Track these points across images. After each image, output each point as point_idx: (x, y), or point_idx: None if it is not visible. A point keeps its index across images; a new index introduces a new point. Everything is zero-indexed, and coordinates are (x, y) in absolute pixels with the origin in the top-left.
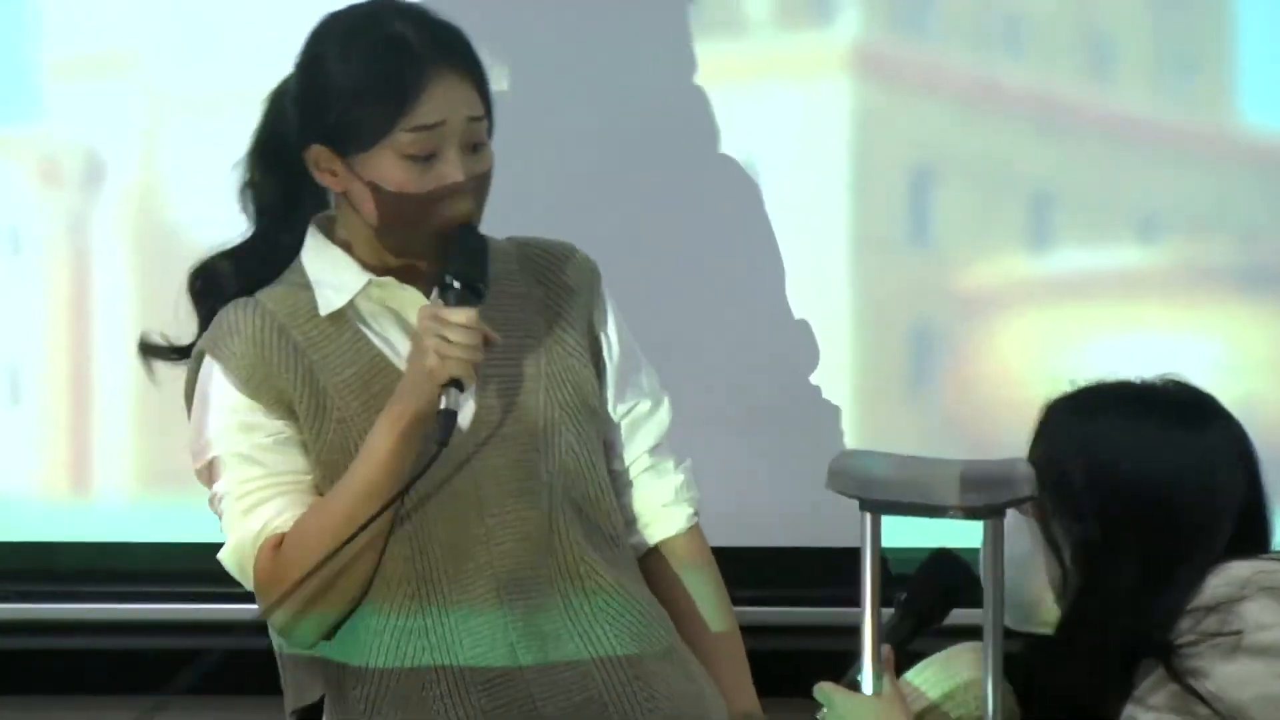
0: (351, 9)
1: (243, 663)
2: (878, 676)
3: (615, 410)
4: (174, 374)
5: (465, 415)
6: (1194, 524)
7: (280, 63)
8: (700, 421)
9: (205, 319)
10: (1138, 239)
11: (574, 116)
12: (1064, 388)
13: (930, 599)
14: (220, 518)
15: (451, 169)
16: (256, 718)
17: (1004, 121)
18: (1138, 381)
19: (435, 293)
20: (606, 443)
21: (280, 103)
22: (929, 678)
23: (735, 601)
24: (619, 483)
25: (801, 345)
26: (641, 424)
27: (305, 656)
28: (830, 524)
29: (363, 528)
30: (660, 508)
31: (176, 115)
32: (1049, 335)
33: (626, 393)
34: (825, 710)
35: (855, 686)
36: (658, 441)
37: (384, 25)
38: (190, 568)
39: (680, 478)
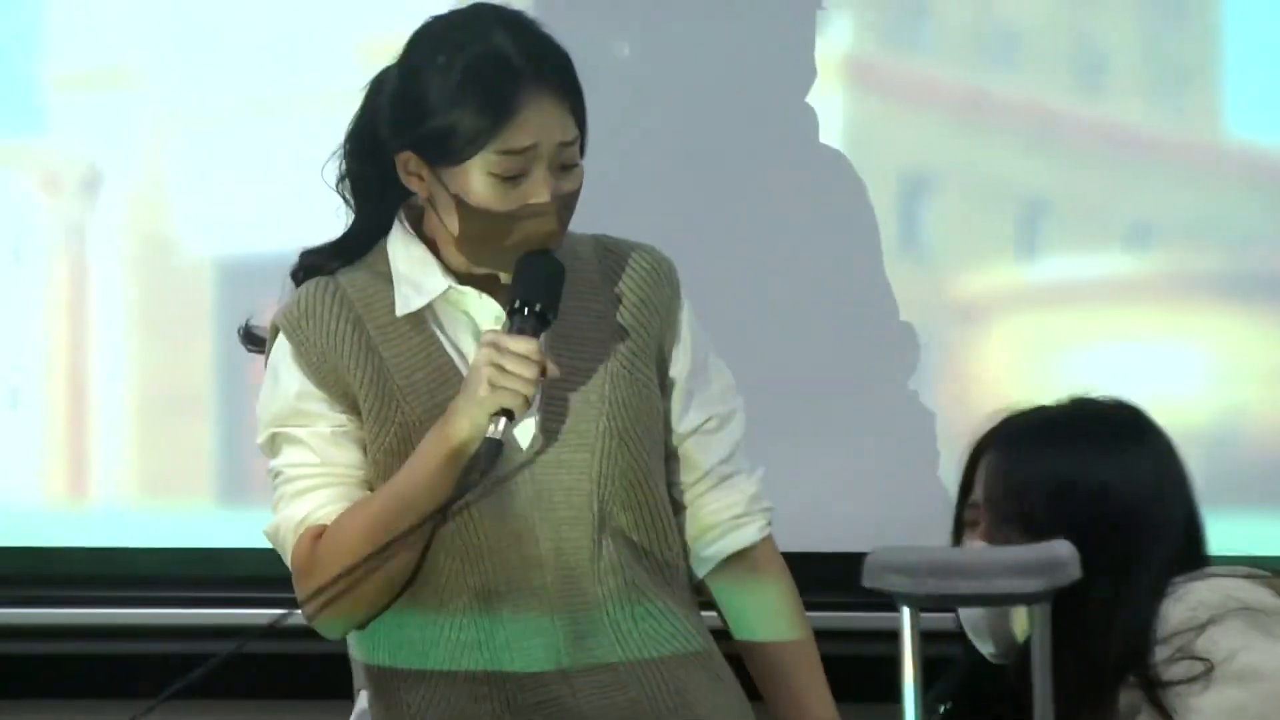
0: (455, 15)
1: (245, 666)
2: None
3: (684, 426)
4: (164, 384)
5: (526, 436)
6: (1149, 541)
7: (277, 73)
8: None
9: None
10: (1128, 248)
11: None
12: (1002, 414)
13: (968, 703)
14: (274, 491)
15: (537, 189)
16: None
17: (996, 132)
18: (1081, 400)
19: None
20: (679, 458)
21: (377, 94)
22: None
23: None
24: (689, 496)
25: (801, 350)
26: (711, 438)
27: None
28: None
29: (385, 547)
30: (731, 520)
31: (175, 127)
32: (1040, 342)
33: (696, 408)
34: None
35: None
36: (729, 454)
37: (485, 38)
38: (187, 573)
39: (752, 489)
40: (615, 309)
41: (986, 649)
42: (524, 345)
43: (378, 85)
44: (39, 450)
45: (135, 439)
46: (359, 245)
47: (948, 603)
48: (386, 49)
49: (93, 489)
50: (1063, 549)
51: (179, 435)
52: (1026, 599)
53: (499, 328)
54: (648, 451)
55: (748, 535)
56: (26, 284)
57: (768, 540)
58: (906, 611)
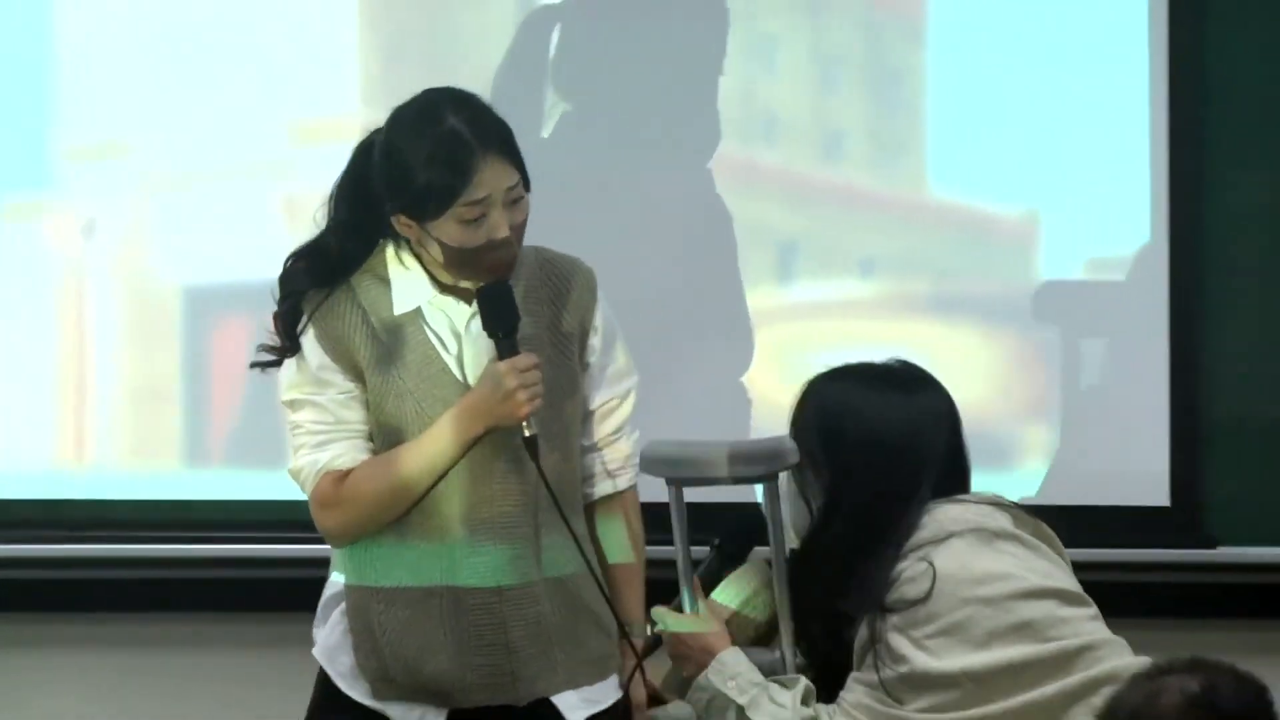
0: (416, 102)
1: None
2: (694, 600)
3: (593, 400)
4: (143, 378)
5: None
6: (904, 470)
7: (228, 146)
8: None
9: (284, 303)
10: (858, 277)
11: None
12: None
13: (736, 543)
14: (293, 439)
15: (498, 227)
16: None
17: (761, 191)
18: (871, 361)
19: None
20: (582, 420)
21: (364, 157)
22: (728, 593)
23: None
24: (584, 448)
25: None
26: (610, 414)
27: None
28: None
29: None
30: (608, 472)
31: (151, 189)
32: (794, 348)
33: (603, 388)
34: (660, 625)
35: (680, 608)
36: (619, 426)
37: (442, 121)
38: (160, 518)
39: (628, 450)
40: (552, 313)
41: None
42: (526, 361)
43: (363, 151)
44: (51, 425)
45: (121, 418)
46: (342, 267)
47: (697, 483)
48: (313, 127)
49: (89, 454)
50: (784, 442)
51: (154, 415)
52: (756, 479)
53: (466, 325)
54: (570, 417)
55: (613, 486)
56: (40, 305)
57: (632, 490)
58: (671, 489)
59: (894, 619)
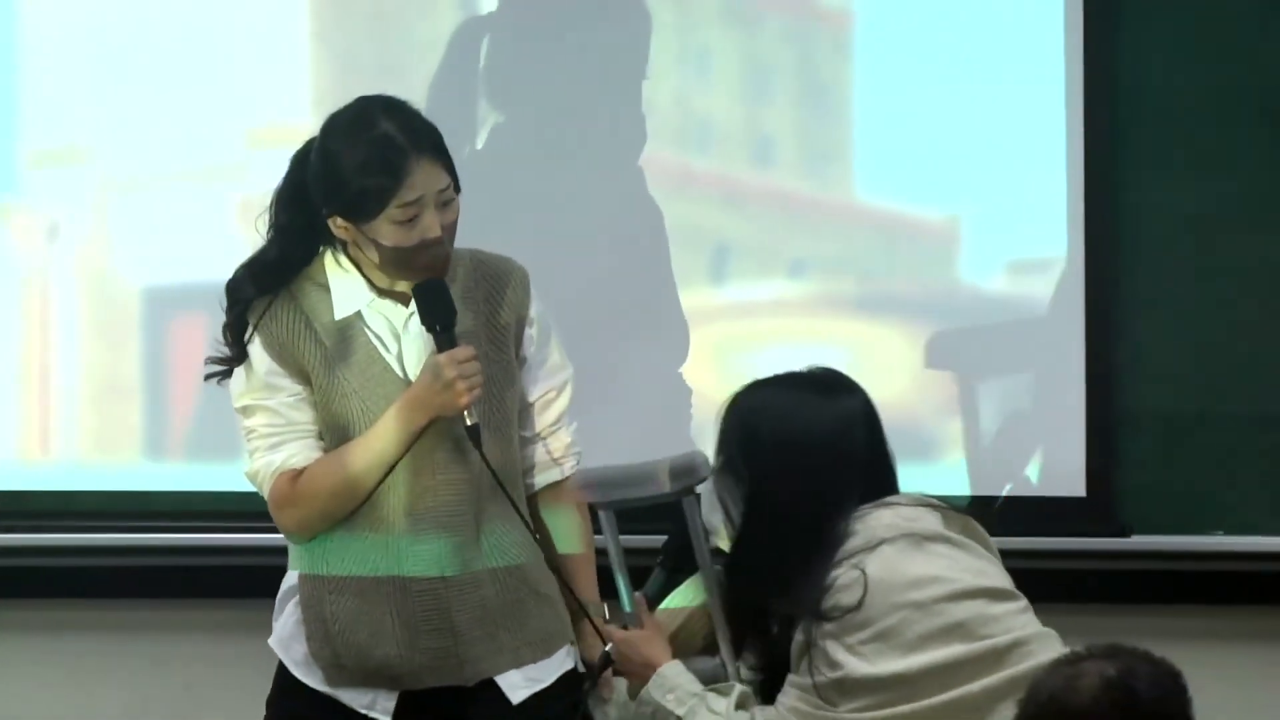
0: (350, 109)
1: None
2: (637, 618)
3: (532, 393)
4: (104, 375)
5: None
6: (822, 471)
7: (187, 152)
8: None
9: (231, 312)
10: (789, 277)
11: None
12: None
13: (679, 558)
14: (248, 443)
15: (430, 227)
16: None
17: (697, 194)
18: (793, 370)
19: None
20: (521, 412)
21: (302, 165)
22: (672, 610)
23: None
24: (525, 440)
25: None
26: (549, 405)
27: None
28: None
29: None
30: (550, 461)
31: (112, 193)
32: (727, 344)
33: (540, 381)
34: (610, 646)
35: (627, 625)
36: (558, 417)
37: (375, 126)
38: (121, 508)
39: (568, 439)
40: (488, 309)
41: (718, 542)
42: (464, 352)
43: (301, 159)
44: (16, 420)
45: (84, 412)
46: (283, 273)
47: (627, 504)
48: (268, 132)
49: (54, 447)
50: (696, 457)
51: (115, 410)
52: (676, 495)
53: (404, 325)
54: (509, 409)
55: (558, 473)
56: (6, 305)
57: (572, 478)
58: (603, 515)
59: (828, 626)
